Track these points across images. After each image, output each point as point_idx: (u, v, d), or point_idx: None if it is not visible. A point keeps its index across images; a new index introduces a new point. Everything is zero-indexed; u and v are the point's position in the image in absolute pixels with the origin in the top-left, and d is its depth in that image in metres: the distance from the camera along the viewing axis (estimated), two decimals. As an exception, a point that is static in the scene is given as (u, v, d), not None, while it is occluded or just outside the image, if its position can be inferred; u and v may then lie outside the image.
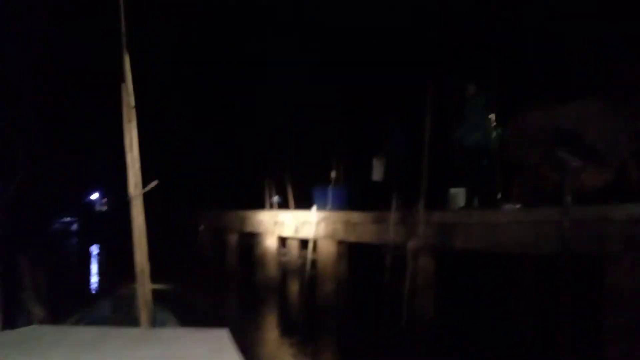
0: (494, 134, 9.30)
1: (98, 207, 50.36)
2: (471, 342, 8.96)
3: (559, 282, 6.55)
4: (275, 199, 17.75)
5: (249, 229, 16.32)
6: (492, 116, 9.33)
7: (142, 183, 4.12)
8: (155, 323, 4.19)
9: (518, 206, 8.84)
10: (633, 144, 7.67)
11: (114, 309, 6.61)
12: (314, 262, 11.91)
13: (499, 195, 9.56)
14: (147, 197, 4.17)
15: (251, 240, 16.02)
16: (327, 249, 11.49)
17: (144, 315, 4.07)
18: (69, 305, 7.20)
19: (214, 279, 16.78)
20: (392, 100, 15.62)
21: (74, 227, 43.23)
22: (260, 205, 17.21)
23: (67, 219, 43.31)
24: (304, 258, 12.46)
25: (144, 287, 4.12)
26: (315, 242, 11.91)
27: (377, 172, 12.24)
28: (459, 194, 9.79)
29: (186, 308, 9.73)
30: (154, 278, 4.16)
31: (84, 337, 3.26)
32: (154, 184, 4.27)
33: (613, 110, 8.03)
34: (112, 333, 3.41)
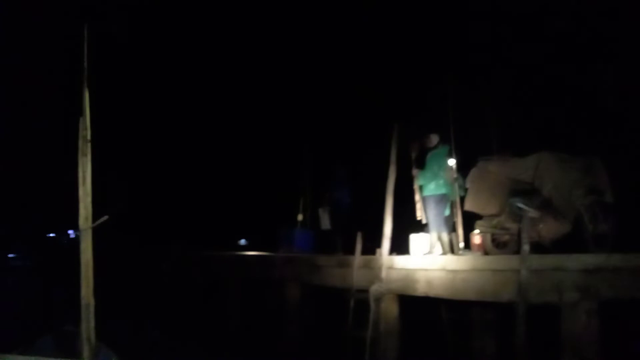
0: (456, 184, 9.59)
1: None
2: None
3: (517, 330, 6.74)
4: (242, 241, 17.78)
5: (214, 269, 16.20)
6: (454, 166, 9.62)
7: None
8: (97, 357, 4.18)
9: (478, 254, 9.12)
10: (587, 198, 8.03)
11: (57, 344, 6.45)
12: (280, 304, 11.87)
13: (461, 244, 9.83)
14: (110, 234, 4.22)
15: (217, 280, 15.87)
16: (292, 292, 11.52)
17: (86, 349, 4.06)
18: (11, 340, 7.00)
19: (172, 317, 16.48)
20: (337, 152, 16.18)
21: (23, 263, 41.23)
22: (225, 246, 17.18)
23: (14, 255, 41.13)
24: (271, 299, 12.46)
25: (88, 322, 4.11)
26: (281, 284, 11.92)
27: (324, 222, 13.14)
28: (420, 240, 9.99)
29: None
30: (111, 315, 4.17)
31: None
32: (104, 219, 4.30)
33: (567, 165, 8.44)
34: None
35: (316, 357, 10.77)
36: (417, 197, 9.90)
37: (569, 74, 12.06)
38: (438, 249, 9.33)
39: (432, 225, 9.37)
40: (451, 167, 9.56)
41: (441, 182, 9.35)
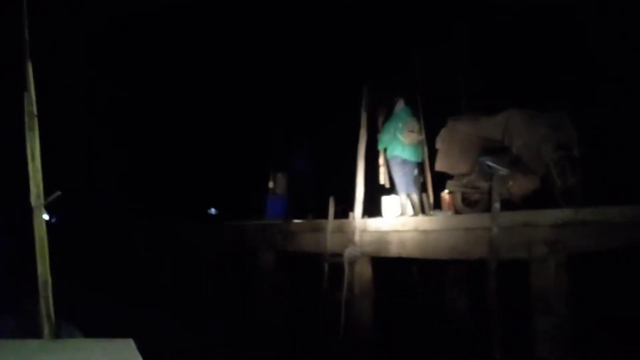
0: (422, 145, 9.57)
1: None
2: (407, 346, 9.19)
3: (488, 286, 6.82)
4: (212, 210, 17.69)
5: (186, 240, 16.15)
6: (417, 128, 9.56)
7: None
8: (59, 335, 4.17)
9: (449, 213, 9.18)
10: (556, 154, 8.08)
11: (18, 324, 6.32)
12: (254, 272, 11.88)
13: (431, 203, 9.89)
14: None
15: (190, 250, 15.82)
16: (267, 258, 11.53)
17: (46, 327, 4.06)
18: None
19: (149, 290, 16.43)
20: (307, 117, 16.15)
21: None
22: (196, 215, 17.08)
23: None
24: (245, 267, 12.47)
25: (47, 299, 4.10)
26: (255, 252, 11.91)
27: (280, 186, 13.64)
28: (391, 202, 10.01)
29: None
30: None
31: None
32: (56, 194, 4.25)
33: (535, 121, 8.47)
34: (13, 345, 3.36)
35: (292, 321, 10.86)
36: (381, 161, 9.90)
37: (534, 29, 12.05)
38: (409, 210, 9.35)
39: (400, 187, 9.36)
40: (413, 129, 9.41)
41: (401, 144, 9.28)
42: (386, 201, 10.11)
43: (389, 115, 9.81)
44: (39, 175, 4.16)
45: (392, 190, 9.98)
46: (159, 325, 11.60)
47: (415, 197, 9.35)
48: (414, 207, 9.32)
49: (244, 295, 12.17)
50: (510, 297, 7.05)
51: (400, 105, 9.57)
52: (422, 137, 9.60)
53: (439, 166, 9.38)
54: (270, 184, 13.96)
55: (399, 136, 9.28)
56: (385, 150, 9.66)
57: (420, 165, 9.69)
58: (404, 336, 9.49)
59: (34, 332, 4.25)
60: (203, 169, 21.59)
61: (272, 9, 18.68)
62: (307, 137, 13.24)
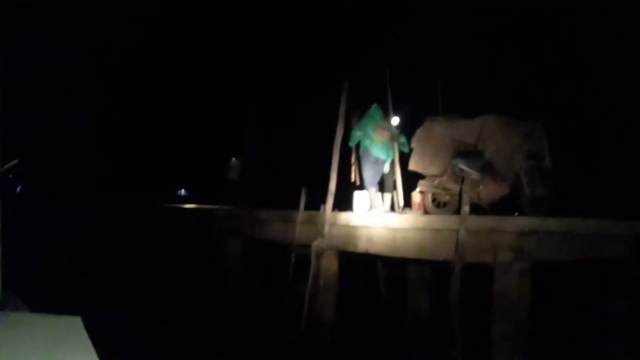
0: (394, 143, 9.62)
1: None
2: (368, 342, 9.26)
3: (452, 288, 6.90)
4: (182, 191, 17.56)
5: (155, 221, 15.97)
6: (389, 126, 9.63)
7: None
8: (3, 307, 4.07)
9: (418, 213, 9.25)
10: (526, 162, 8.19)
11: None
12: (221, 257, 11.81)
13: (401, 202, 9.95)
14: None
15: (157, 233, 15.66)
16: (234, 245, 11.48)
17: None
18: None
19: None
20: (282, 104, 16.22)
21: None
22: (164, 196, 16.93)
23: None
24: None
25: None
26: (222, 237, 11.85)
27: (233, 173, 14.33)
28: (363, 197, 10.04)
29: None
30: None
31: None
32: (13, 162, 4.17)
33: (510, 129, 8.57)
34: None
35: (255, 310, 10.85)
36: (353, 158, 10.04)
37: (516, 37, 12.19)
38: (380, 206, 9.41)
39: (368, 182, 9.42)
40: (384, 127, 9.47)
41: (372, 141, 9.33)
42: (357, 196, 10.14)
43: (362, 113, 9.85)
44: None
45: (362, 186, 10.02)
46: (116, 304, 11.51)
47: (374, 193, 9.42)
48: (373, 203, 9.37)
49: (208, 279, 12.11)
50: (473, 300, 7.15)
51: (373, 107, 9.64)
52: (394, 134, 9.64)
53: (413, 165, 9.43)
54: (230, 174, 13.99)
55: (371, 133, 9.34)
56: (356, 146, 9.73)
57: (391, 164, 9.77)
58: (365, 332, 9.55)
59: None
60: (175, 151, 21.41)
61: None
62: (259, 128, 13.67)
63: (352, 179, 10.21)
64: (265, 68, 18.47)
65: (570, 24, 11.29)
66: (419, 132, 9.48)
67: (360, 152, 9.56)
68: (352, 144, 9.78)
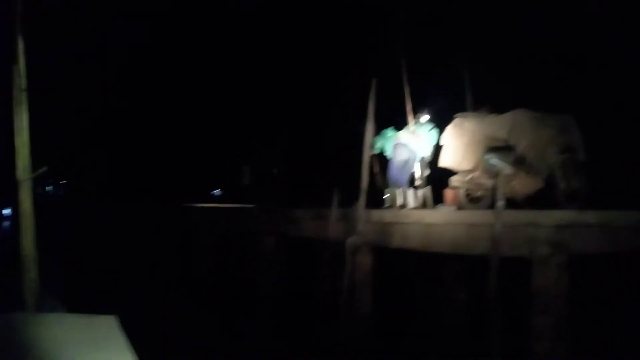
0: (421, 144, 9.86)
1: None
2: (405, 337, 9.35)
3: (489, 282, 6.95)
4: (216, 192, 17.82)
5: (189, 221, 16.24)
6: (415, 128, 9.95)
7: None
8: (42, 309, 4.18)
9: (452, 208, 9.30)
10: (560, 156, 8.20)
11: None
12: (256, 256, 11.97)
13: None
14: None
15: (191, 232, 15.91)
16: (268, 243, 11.65)
17: (30, 300, 4.07)
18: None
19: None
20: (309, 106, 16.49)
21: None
22: (200, 196, 17.21)
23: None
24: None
25: (31, 272, 4.12)
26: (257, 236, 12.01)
27: (245, 177, 15.85)
28: (394, 194, 10.14)
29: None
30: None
31: None
32: (43, 169, 4.26)
33: (542, 123, 8.58)
34: None
35: (291, 307, 10.99)
36: (376, 167, 10.41)
37: (545, 30, 12.11)
38: (412, 202, 9.51)
39: (397, 182, 9.75)
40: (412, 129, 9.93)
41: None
42: (389, 194, 10.24)
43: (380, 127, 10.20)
44: (27, 150, 4.15)
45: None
46: (151, 305, 11.72)
47: (406, 191, 9.67)
48: (399, 200, 9.63)
49: (245, 278, 12.28)
50: (510, 295, 7.18)
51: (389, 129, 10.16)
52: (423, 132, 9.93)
53: (444, 162, 9.48)
54: (274, 170, 14.19)
55: (393, 137, 9.89)
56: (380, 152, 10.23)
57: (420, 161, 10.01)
58: (402, 327, 9.64)
59: (14, 305, 4.28)
60: (210, 152, 21.78)
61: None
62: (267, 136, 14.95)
63: (378, 186, 10.53)
64: (280, 73, 18.81)
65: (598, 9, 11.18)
66: (450, 128, 9.54)
67: (389, 155, 10.00)
68: (375, 151, 10.16)
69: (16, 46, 4.15)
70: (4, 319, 3.33)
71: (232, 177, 16.75)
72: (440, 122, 9.98)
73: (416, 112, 10.26)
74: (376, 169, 10.56)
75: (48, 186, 43.33)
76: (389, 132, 10.15)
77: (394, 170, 9.73)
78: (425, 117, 10.27)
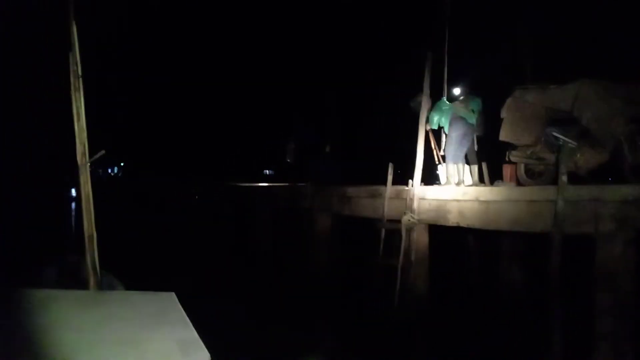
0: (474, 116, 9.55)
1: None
2: (462, 316, 9.18)
3: (552, 260, 6.71)
4: (268, 171, 18.00)
5: (244, 199, 16.47)
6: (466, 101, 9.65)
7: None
8: (103, 287, 4.29)
9: (511, 184, 9.02)
10: (627, 127, 7.79)
11: (61, 274, 6.41)
12: (311, 234, 11.98)
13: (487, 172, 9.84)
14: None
15: (245, 210, 16.12)
16: (323, 221, 11.63)
17: (92, 279, 4.18)
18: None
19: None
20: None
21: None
22: (253, 176, 17.42)
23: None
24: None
25: (92, 252, 4.24)
26: (311, 214, 12.01)
27: (290, 155, 16.06)
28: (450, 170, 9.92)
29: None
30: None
31: (33, 298, 3.27)
32: (101, 153, 4.34)
33: (608, 93, 8.15)
34: (60, 295, 3.47)
35: (347, 285, 10.96)
36: (433, 142, 10.28)
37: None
38: (460, 178, 9.33)
39: (453, 158, 9.45)
40: (462, 102, 9.66)
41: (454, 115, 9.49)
42: (442, 170, 10.05)
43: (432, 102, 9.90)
44: (84, 135, 4.26)
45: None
46: (209, 281, 11.92)
47: (460, 167, 9.45)
48: (459, 176, 9.41)
49: (298, 256, 12.31)
50: (571, 273, 6.93)
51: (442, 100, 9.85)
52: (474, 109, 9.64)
53: (504, 136, 9.16)
54: (327, 148, 14.13)
55: (449, 111, 9.55)
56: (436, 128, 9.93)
57: (476, 136, 9.79)
58: (458, 306, 9.48)
59: (75, 283, 4.41)
60: (260, 132, 22.05)
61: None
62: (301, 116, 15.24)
63: (437, 162, 10.38)
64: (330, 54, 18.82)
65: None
66: (509, 101, 9.18)
67: (446, 129, 9.69)
68: (433, 126, 9.85)
69: (71, 33, 4.24)
70: (69, 295, 3.42)
71: (282, 155, 17.08)
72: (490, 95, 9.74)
73: (458, 84, 10.07)
74: (434, 144, 10.36)
75: (110, 168, 44.90)
76: (444, 105, 9.77)
77: (452, 145, 9.41)
78: (462, 90, 10.05)
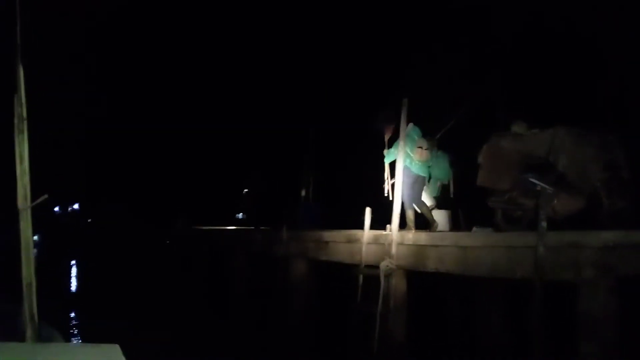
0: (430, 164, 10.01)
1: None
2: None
3: (533, 308, 6.63)
4: (240, 215, 17.80)
5: (218, 245, 16.20)
6: (426, 145, 9.85)
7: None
8: (41, 338, 4.11)
9: (488, 230, 8.99)
10: (604, 174, 7.87)
11: None
12: (283, 281, 11.77)
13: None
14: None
15: (221, 256, 15.84)
16: (299, 267, 11.43)
17: (29, 329, 4.01)
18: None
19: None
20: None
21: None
22: (224, 220, 17.21)
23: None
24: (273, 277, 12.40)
25: (31, 301, 4.07)
26: (287, 261, 11.82)
27: (244, 202, 17.83)
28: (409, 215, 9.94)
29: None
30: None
31: None
32: (43, 197, 4.25)
33: (584, 140, 8.26)
34: None
35: (324, 332, 10.72)
36: (386, 174, 10.18)
37: (580, 45, 11.83)
38: (444, 224, 9.34)
39: (407, 203, 9.58)
40: (422, 145, 9.76)
41: (411, 160, 9.61)
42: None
43: (395, 133, 9.97)
44: (27, 178, 4.19)
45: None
46: (180, 327, 11.59)
47: (411, 213, 9.71)
48: (409, 222, 9.62)
49: (275, 302, 12.07)
50: (552, 321, 6.85)
51: (410, 126, 9.73)
52: (432, 152, 10.10)
53: (481, 181, 9.21)
54: (303, 192, 13.99)
55: (410, 153, 9.58)
56: (390, 165, 10.01)
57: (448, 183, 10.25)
58: (439, 354, 9.30)
59: (11, 334, 4.20)
60: (233, 176, 21.95)
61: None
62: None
63: (386, 194, 10.24)
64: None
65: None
66: (486, 147, 9.28)
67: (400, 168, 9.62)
68: (387, 161, 10.01)
69: (17, 75, 4.18)
70: (2, 349, 3.20)
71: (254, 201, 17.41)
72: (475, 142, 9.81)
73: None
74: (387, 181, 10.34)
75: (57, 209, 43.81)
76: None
77: (404, 190, 9.45)
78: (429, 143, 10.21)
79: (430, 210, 10.04)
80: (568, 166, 8.13)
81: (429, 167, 10.07)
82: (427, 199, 10.37)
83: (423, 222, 9.98)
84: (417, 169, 9.67)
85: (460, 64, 13.78)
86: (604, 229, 7.42)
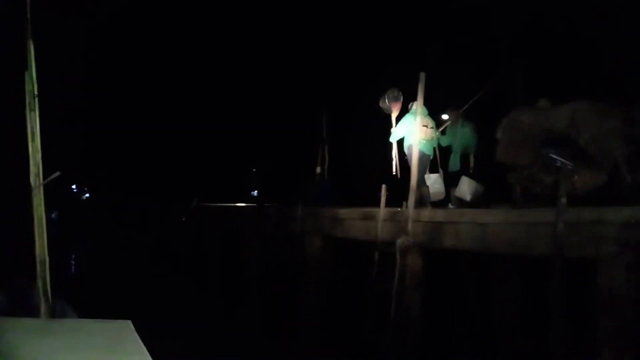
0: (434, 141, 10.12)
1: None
2: (457, 342, 8.96)
3: (552, 284, 6.53)
4: (255, 193, 17.83)
5: (232, 222, 16.21)
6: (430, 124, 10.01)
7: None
8: (55, 314, 4.14)
9: (507, 207, 8.86)
10: (626, 148, 7.68)
11: (10, 301, 6.12)
12: (298, 257, 11.74)
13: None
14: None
15: (234, 234, 15.86)
16: (314, 244, 11.39)
17: (43, 306, 4.04)
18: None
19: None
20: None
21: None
22: (239, 197, 17.23)
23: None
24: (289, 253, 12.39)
25: (44, 278, 4.10)
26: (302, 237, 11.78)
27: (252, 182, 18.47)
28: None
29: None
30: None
31: None
32: (56, 175, 4.23)
33: (606, 114, 8.05)
34: (9, 323, 3.29)
35: (339, 310, 10.72)
36: (394, 153, 10.21)
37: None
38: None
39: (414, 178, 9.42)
40: (427, 124, 9.85)
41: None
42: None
43: (402, 112, 10.13)
44: (39, 156, 4.19)
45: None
46: (197, 304, 11.64)
47: (425, 189, 9.77)
48: (424, 199, 9.59)
49: (290, 280, 12.06)
50: (572, 297, 6.75)
51: (413, 104, 9.85)
52: (436, 134, 10.24)
53: (500, 157, 9.05)
54: (318, 169, 13.91)
55: (413, 131, 9.59)
56: (398, 143, 10.10)
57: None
58: (455, 332, 9.26)
59: (25, 310, 4.23)
60: (248, 153, 21.93)
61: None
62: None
63: (394, 173, 10.33)
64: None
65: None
66: (505, 122, 9.10)
67: (406, 149, 9.82)
68: (393, 140, 10.06)
69: (27, 51, 4.13)
70: (18, 324, 3.20)
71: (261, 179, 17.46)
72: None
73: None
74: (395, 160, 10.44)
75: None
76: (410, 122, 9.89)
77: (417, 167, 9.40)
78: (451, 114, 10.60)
79: (429, 190, 10.09)
80: (589, 140, 7.94)
81: (432, 145, 10.11)
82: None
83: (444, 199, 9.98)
84: (422, 147, 9.65)
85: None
86: (625, 204, 7.28)
